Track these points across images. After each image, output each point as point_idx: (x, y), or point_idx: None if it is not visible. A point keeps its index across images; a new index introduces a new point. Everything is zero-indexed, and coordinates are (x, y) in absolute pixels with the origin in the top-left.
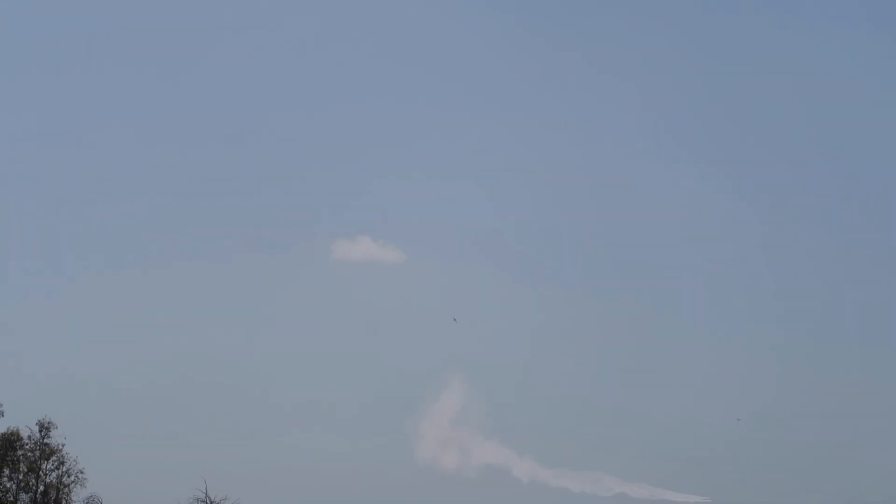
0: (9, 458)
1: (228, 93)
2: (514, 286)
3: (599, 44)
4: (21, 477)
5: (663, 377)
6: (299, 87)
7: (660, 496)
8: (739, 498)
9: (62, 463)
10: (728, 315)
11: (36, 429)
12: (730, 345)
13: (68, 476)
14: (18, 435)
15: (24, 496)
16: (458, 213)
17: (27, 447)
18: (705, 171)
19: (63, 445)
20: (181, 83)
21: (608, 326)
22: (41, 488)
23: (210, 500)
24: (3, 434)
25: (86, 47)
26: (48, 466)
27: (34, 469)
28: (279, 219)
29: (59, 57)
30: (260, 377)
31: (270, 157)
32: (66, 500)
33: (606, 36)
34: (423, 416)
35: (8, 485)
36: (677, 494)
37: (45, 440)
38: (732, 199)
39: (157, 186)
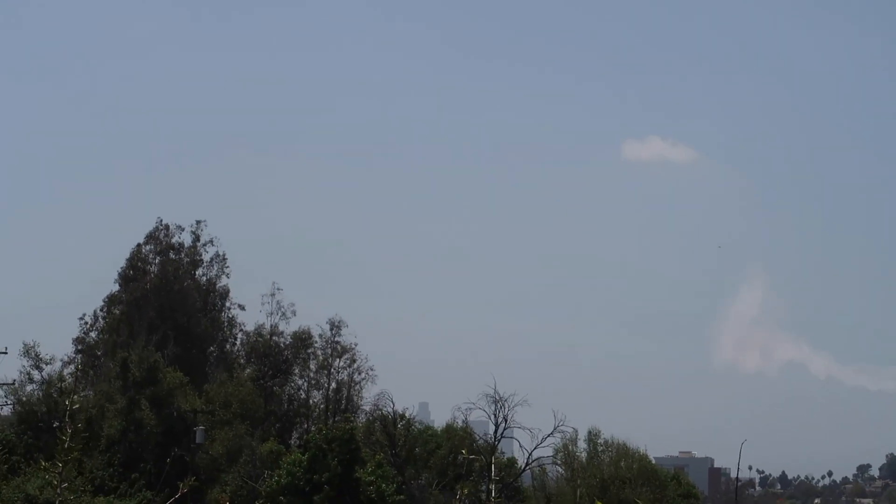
0: (301, 357)
1: None
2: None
3: None
4: (312, 375)
5: None
6: None
7: None
8: None
9: (353, 361)
10: None
11: (327, 327)
12: None
13: (359, 373)
14: (309, 333)
15: (315, 393)
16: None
17: (317, 345)
18: None
19: (356, 345)
20: None
21: None
22: (333, 385)
23: (499, 396)
24: (295, 332)
25: None
26: (339, 364)
27: (325, 367)
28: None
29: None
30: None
31: None
32: (357, 397)
33: None
34: (723, 316)
35: (300, 382)
36: None
37: (336, 339)
38: None
39: None
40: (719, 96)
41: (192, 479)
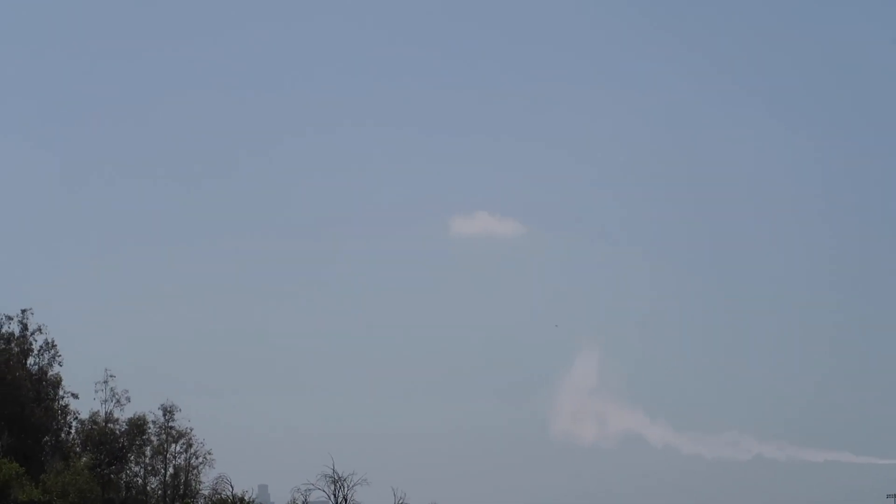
0: (136, 443)
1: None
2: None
3: None
4: (148, 461)
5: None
6: None
7: (801, 456)
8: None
9: (190, 445)
10: None
11: (160, 413)
12: None
13: (196, 458)
14: (144, 419)
15: (152, 479)
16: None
17: (152, 431)
18: None
19: (191, 429)
20: None
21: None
22: (171, 471)
23: (338, 475)
24: (130, 419)
25: None
26: (176, 449)
27: (161, 452)
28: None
29: None
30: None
31: None
32: (196, 482)
33: None
34: (558, 388)
35: (136, 469)
36: (818, 453)
37: (171, 424)
38: None
39: None
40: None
41: None
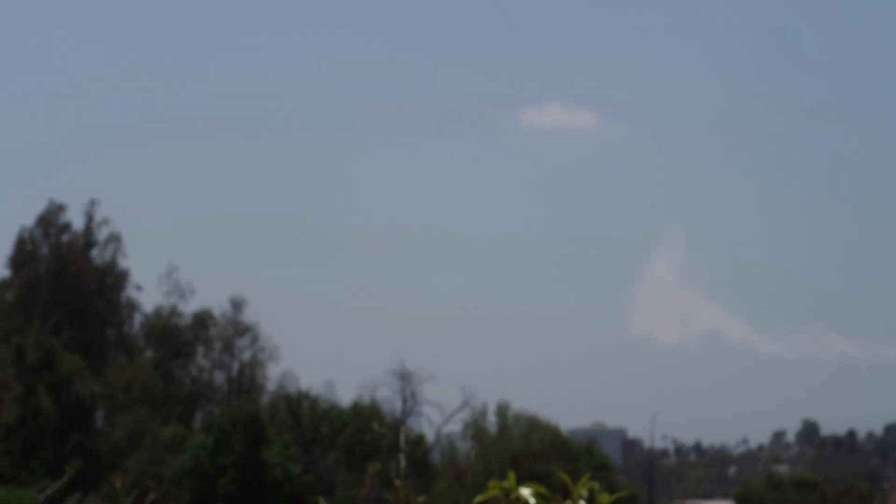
0: (201, 337)
1: None
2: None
3: None
4: (216, 355)
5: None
6: None
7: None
8: None
9: (256, 339)
10: None
11: (228, 306)
12: None
13: (262, 352)
14: (210, 313)
15: (218, 374)
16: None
17: (219, 325)
18: None
19: (258, 323)
20: None
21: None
22: (236, 365)
23: (406, 371)
24: (196, 312)
25: None
26: (242, 343)
27: (228, 347)
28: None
29: None
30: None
31: None
32: (261, 377)
33: None
34: (639, 283)
35: (203, 363)
36: None
37: (238, 317)
38: None
39: None
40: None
41: (80, 462)
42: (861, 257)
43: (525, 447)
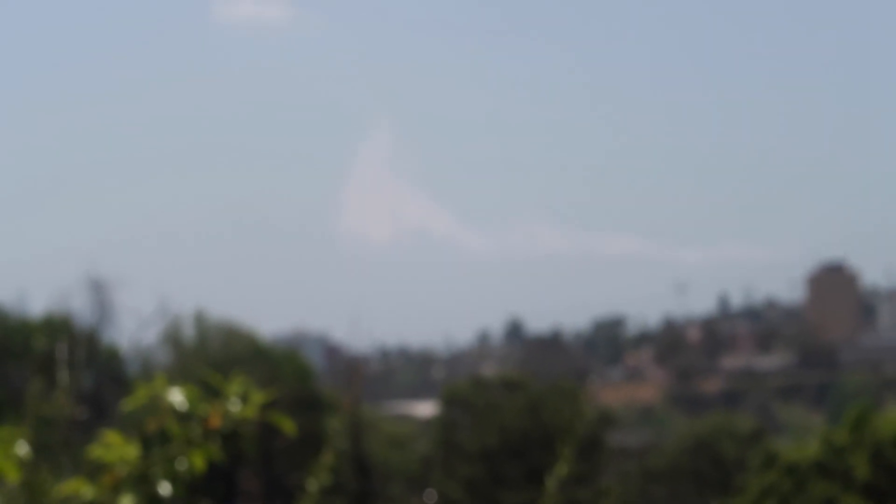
0: None
1: None
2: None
3: None
4: None
5: None
6: None
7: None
8: None
9: None
10: None
11: None
12: None
13: None
14: None
15: None
16: None
17: None
18: None
19: None
20: None
21: None
22: None
23: (99, 280)
24: None
25: None
26: None
27: None
28: None
29: None
30: None
31: None
32: None
33: None
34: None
35: None
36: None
37: None
38: None
39: None
40: None
41: None
42: (570, 147)
43: (224, 356)
